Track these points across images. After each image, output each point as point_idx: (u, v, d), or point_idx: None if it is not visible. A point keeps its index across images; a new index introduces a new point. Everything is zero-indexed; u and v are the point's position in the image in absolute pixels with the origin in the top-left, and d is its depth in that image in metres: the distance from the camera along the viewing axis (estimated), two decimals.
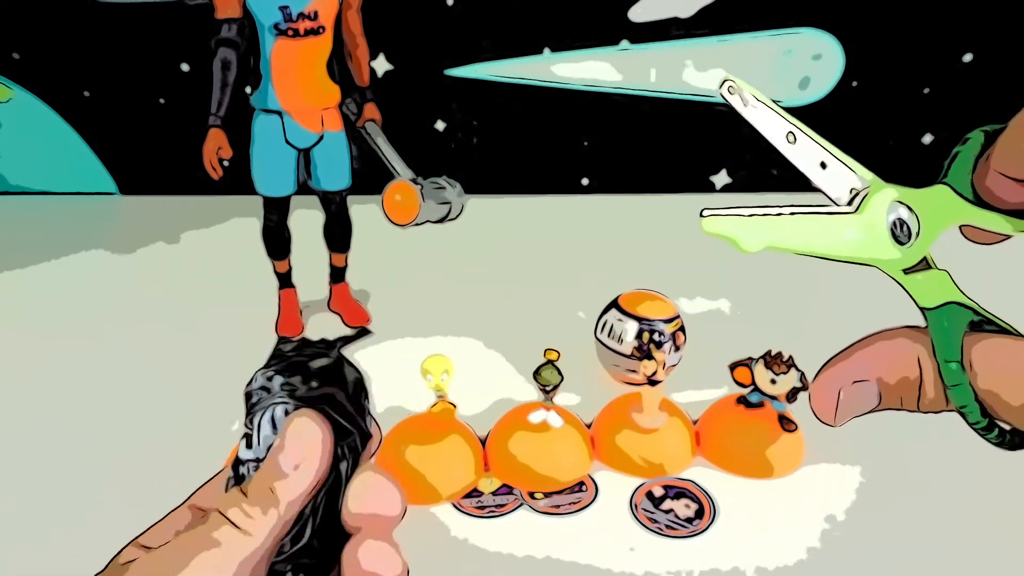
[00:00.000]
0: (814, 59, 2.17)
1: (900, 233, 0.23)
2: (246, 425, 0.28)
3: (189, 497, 0.31)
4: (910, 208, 0.23)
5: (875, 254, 0.23)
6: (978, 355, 0.22)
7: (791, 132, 0.24)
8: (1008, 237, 0.24)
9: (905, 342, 0.24)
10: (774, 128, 0.24)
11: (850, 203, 0.24)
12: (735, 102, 0.24)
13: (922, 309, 0.23)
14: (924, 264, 0.24)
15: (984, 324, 0.23)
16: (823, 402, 0.24)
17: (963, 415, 0.22)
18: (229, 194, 1.79)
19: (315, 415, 0.27)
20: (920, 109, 2.23)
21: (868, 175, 0.24)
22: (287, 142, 1.40)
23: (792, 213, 0.23)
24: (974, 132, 0.24)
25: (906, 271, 0.23)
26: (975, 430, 0.23)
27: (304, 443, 0.27)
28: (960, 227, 0.25)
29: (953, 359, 0.22)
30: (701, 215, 0.22)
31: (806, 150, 0.24)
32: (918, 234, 0.23)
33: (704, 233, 0.22)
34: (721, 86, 0.23)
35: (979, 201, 0.24)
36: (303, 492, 0.26)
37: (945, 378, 0.22)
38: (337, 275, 1.62)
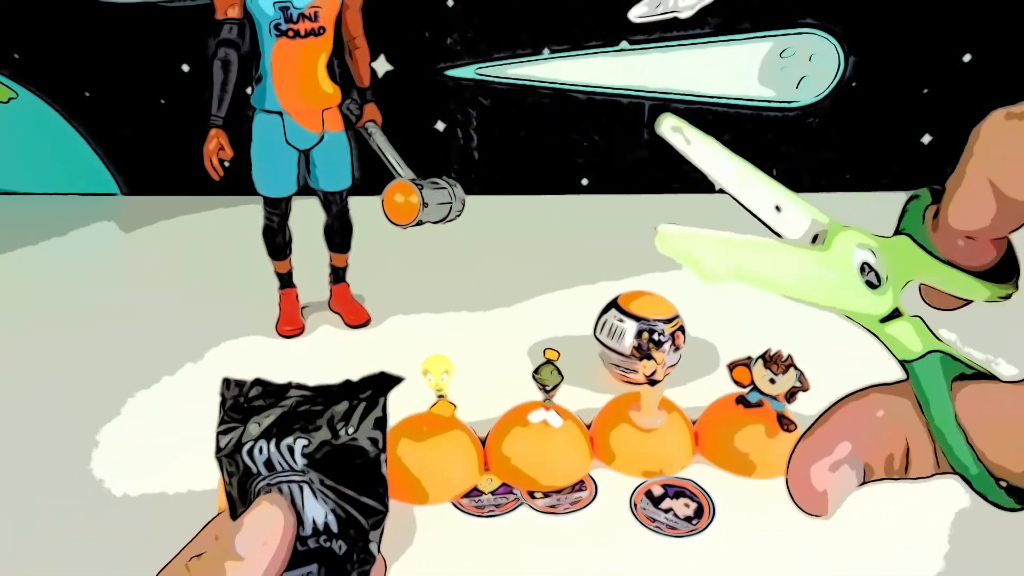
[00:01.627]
0: (814, 59, 2.17)
1: (868, 276, 0.22)
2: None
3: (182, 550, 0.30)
4: (874, 253, 0.22)
5: (848, 299, 0.21)
6: (961, 404, 0.20)
7: (741, 173, 0.22)
8: (968, 302, 0.22)
9: (880, 405, 0.21)
10: (722, 169, 0.22)
11: (813, 242, 0.22)
12: (677, 141, 0.21)
13: (903, 363, 0.21)
14: (897, 313, 0.21)
15: (965, 372, 0.21)
16: (805, 493, 0.21)
17: (966, 480, 0.20)
18: (230, 194, 1.79)
19: (283, 504, 0.26)
20: (920, 109, 2.24)
21: (824, 218, 0.22)
22: (287, 142, 1.40)
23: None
24: (922, 189, 0.22)
25: (882, 321, 0.21)
26: (982, 495, 0.20)
27: (266, 530, 0.26)
28: (920, 289, 0.23)
29: (945, 416, 0.20)
30: (656, 229, 0.19)
31: (758, 192, 0.22)
32: (886, 279, 0.22)
33: (659, 251, 0.19)
34: (661, 124, 0.21)
35: (938, 256, 0.22)
36: None
37: (938, 438, 0.20)
38: (337, 275, 1.62)
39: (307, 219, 1.55)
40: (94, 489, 1.15)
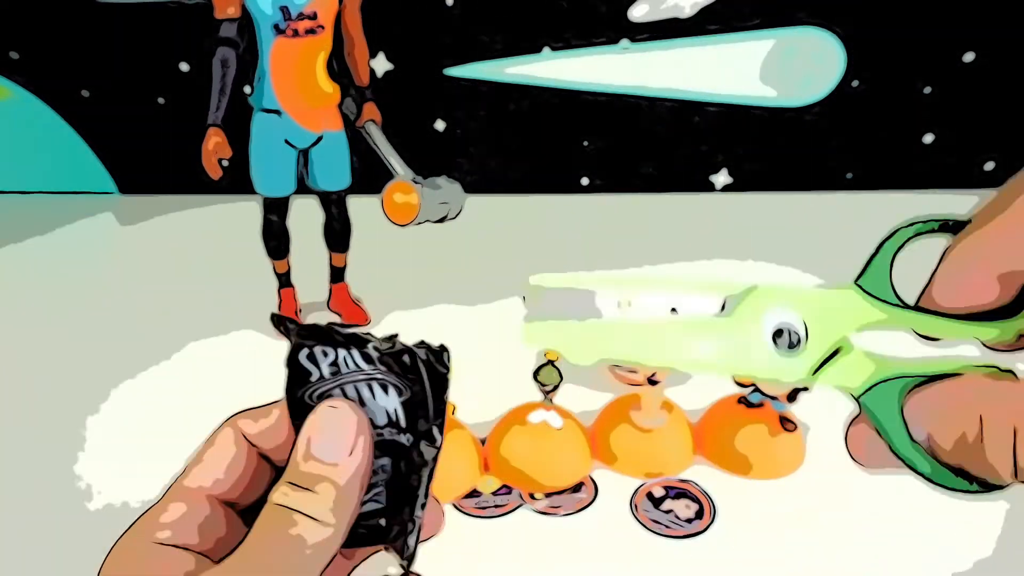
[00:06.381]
0: (814, 59, 2.17)
1: (782, 341, 0.21)
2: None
3: (179, 479, 0.29)
4: (795, 313, 0.21)
5: (754, 366, 0.21)
6: (911, 414, 0.21)
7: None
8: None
9: (976, 385, 0.21)
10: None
11: (721, 309, 0.22)
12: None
13: (856, 399, 0.22)
14: (835, 354, 0.21)
15: (918, 382, 0.21)
16: (856, 440, 0.23)
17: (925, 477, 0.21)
18: (229, 194, 1.79)
19: (352, 405, 0.27)
20: (920, 109, 2.23)
21: (738, 289, 0.22)
22: (286, 142, 1.40)
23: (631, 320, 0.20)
24: (901, 226, 0.21)
25: (815, 372, 0.21)
26: (944, 486, 0.22)
27: (340, 432, 0.26)
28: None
29: (901, 439, 0.21)
30: (524, 321, 0.21)
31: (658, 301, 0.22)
32: (808, 340, 0.21)
33: (526, 345, 0.21)
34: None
35: (905, 303, 0.21)
36: (359, 475, 0.25)
37: (897, 453, 0.21)
38: (337, 275, 1.62)
39: (306, 219, 1.55)
40: (86, 489, 1.15)
